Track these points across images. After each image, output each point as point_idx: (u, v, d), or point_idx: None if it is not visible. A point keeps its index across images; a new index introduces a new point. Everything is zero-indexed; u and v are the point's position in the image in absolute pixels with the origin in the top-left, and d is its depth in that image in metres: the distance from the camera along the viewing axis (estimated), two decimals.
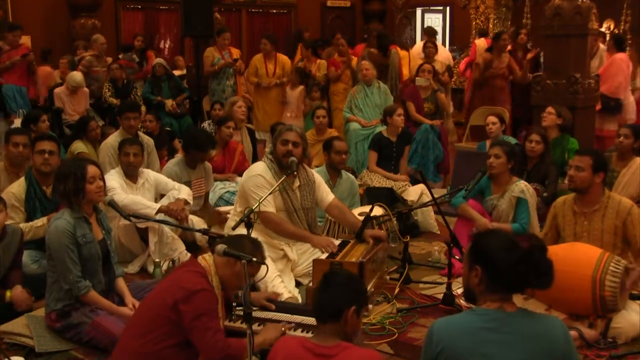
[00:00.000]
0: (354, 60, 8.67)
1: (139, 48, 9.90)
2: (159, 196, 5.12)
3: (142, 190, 5.01)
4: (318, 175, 4.69)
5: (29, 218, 4.37)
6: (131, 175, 5.01)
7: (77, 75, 8.16)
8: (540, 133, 5.42)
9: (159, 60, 9.12)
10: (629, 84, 8.05)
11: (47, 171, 4.42)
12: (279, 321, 3.20)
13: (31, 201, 4.39)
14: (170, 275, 3.08)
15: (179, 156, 6.01)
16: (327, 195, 4.60)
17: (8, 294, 3.66)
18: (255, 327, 3.10)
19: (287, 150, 4.31)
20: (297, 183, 4.47)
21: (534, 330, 2.17)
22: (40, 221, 4.30)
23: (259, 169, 4.41)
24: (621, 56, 8.03)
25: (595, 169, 3.91)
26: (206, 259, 3.01)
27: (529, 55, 8.64)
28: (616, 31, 10.26)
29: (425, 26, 13.32)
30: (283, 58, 8.70)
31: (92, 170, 3.59)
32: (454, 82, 10.40)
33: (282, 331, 3.06)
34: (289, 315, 3.26)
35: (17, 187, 4.41)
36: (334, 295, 2.41)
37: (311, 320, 3.10)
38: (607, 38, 9.28)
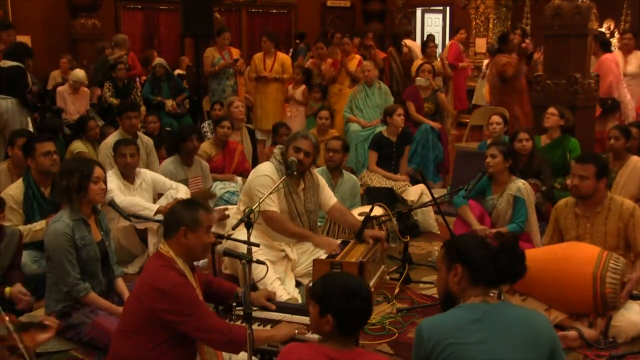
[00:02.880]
0: (353, 60, 8.64)
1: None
2: (157, 196, 5.12)
3: (140, 191, 5.00)
4: (322, 179, 4.69)
5: (27, 220, 4.37)
6: (128, 175, 5.00)
7: (79, 72, 8.21)
8: (527, 131, 5.47)
9: (160, 60, 9.11)
10: (622, 82, 8.04)
11: (55, 171, 4.44)
12: (279, 321, 3.20)
13: (29, 203, 4.39)
14: (143, 274, 2.98)
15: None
16: (329, 198, 4.61)
17: (7, 290, 3.66)
18: (255, 327, 3.09)
19: (298, 159, 4.29)
20: (301, 185, 4.47)
21: (519, 317, 2.27)
22: (38, 224, 4.29)
23: (267, 169, 4.40)
24: (608, 56, 8.02)
25: (599, 175, 3.89)
26: (164, 248, 2.90)
27: (537, 55, 8.60)
28: (607, 33, 10.25)
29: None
30: (283, 56, 8.67)
31: (98, 171, 3.63)
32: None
33: (295, 332, 3.02)
34: (289, 316, 3.25)
35: (15, 189, 4.41)
36: (370, 310, 2.41)
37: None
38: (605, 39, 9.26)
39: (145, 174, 5.13)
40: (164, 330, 2.76)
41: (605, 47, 8.09)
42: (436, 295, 4.26)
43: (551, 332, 2.30)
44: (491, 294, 2.38)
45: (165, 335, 2.77)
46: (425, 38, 11.70)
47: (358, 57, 8.57)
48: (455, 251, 2.40)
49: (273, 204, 4.24)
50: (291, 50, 11.69)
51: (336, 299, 2.31)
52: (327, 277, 2.47)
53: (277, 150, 4.52)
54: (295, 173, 4.33)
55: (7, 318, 2.68)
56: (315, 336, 2.99)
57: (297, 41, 12.35)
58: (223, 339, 2.77)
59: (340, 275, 2.58)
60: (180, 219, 2.88)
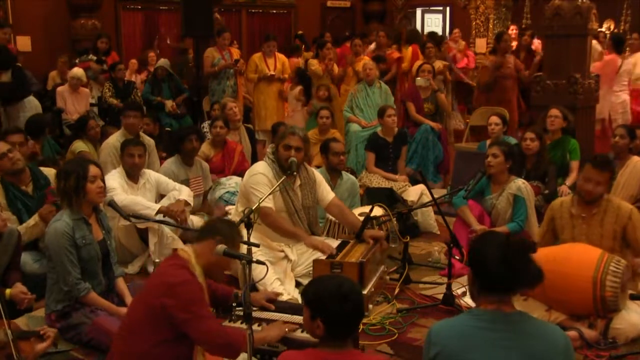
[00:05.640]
0: (362, 61, 8.64)
1: (103, 50, 9.63)
2: (159, 197, 5.12)
3: (143, 191, 5.00)
4: (319, 174, 4.71)
5: (18, 220, 4.35)
6: (133, 175, 5.01)
7: (77, 71, 8.22)
8: (535, 131, 5.44)
9: (162, 61, 9.09)
10: (613, 85, 8.03)
11: (21, 167, 4.38)
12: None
13: (14, 204, 4.38)
14: (154, 273, 3.06)
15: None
16: (327, 193, 4.62)
17: (8, 291, 3.66)
18: (255, 327, 3.10)
19: (289, 155, 4.32)
20: (298, 182, 4.49)
21: (532, 331, 2.15)
22: (32, 220, 4.29)
23: (261, 168, 4.43)
24: (611, 58, 8.02)
25: (611, 179, 3.97)
26: (185, 250, 2.97)
27: (537, 59, 8.61)
28: (616, 31, 10.25)
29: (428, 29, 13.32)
30: (282, 56, 8.79)
31: (93, 170, 3.63)
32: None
33: (285, 331, 3.05)
34: (289, 316, 3.26)
35: None
36: (362, 311, 2.39)
37: None
38: (607, 37, 9.26)
39: (150, 175, 5.13)
40: (168, 329, 2.78)
41: (616, 47, 8.09)
42: (436, 296, 4.27)
43: (567, 348, 2.17)
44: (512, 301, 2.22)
45: (168, 334, 2.78)
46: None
47: (367, 58, 8.59)
48: (471, 255, 2.28)
49: (268, 201, 4.25)
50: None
51: (325, 303, 2.30)
52: (318, 281, 2.45)
53: (269, 149, 4.56)
54: (295, 173, 4.36)
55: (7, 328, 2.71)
56: (308, 335, 3.01)
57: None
58: (221, 342, 2.78)
59: (332, 278, 2.52)
60: (218, 230, 2.96)
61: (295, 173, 4.35)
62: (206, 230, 3.00)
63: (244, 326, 3.10)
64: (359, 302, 2.35)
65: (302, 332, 3.12)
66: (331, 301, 2.29)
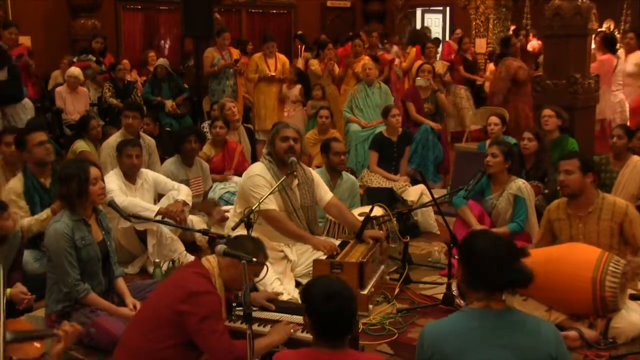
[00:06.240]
0: (362, 61, 8.65)
1: (99, 50, 9.60)
2: (158, 196, 5.12)
3: (141, 191, 5.00)
4: (316, 174, 4.71)
5: (30, 211, 4.42)
6: (130, 176, 5.00)
7: (74, 70, 8.22)
8: (533, 131, 5.43)
9: (162, 61, 9.09)
10: (609, 85, 8.01)
11: (50, 160, 4.54)
12: (278, 321, 3.20)
13: (30, 195, 4.44)
14: (174, 275, 3.08)
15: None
16: (325, 193, 4.62)
17: (8, 291, 3.66)
18: (255, 327, 3.10)
19: (288, 146, 4.34)
20: (296, 182, 4.49)
21: (523, 327, 2.18)
22: (44, 214, 4.34)
23: (258, 169, 4.43)
24: (607, 57, 8.00)
25: (584, 169, 3.89)
26: (210, 261, 3.01)
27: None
28: (610, 31, 10.23)
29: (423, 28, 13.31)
30: (282, 57, 8.79)
31: (94, 171, 3.63)
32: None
33: (291, 332, 3.06)
34: (289, 316, 3.26)
35: (15, 182, 4.47)
36: (354, 310, 2.39)
37: None
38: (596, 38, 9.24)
39: (147, 175, 5.12)
40: (179, 334, 2.80)
41: (609, 47, 8.06)
42: (436, 296, 4.27)
43: (558, 343, 2.19)
44: (502, 299, 2.25)
45: (179, 339, 2.80)
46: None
47: (367, 58, 8.60)
48: (463, 249, 2.30)
49: (272, 203, 4.26)
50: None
51: (311, 300, 2.35)
52: (315, 279, 2.52)
53: (265, 150, 4.57)
54: (295, 173, 4.36)
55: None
56: (310, 335, 3.01)
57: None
58: (229, 357, 2.79)
59: (327, 278, 2.54)
60: (244, 246, 3.00)
61: (295, 173, 4.36)
62: (232, 245, 3.00)
63: (244, 326, 3.10)
64: (346, 303, 2.34)
65: (302, 332, 3.12)
66: (316, 300, 2.33)
